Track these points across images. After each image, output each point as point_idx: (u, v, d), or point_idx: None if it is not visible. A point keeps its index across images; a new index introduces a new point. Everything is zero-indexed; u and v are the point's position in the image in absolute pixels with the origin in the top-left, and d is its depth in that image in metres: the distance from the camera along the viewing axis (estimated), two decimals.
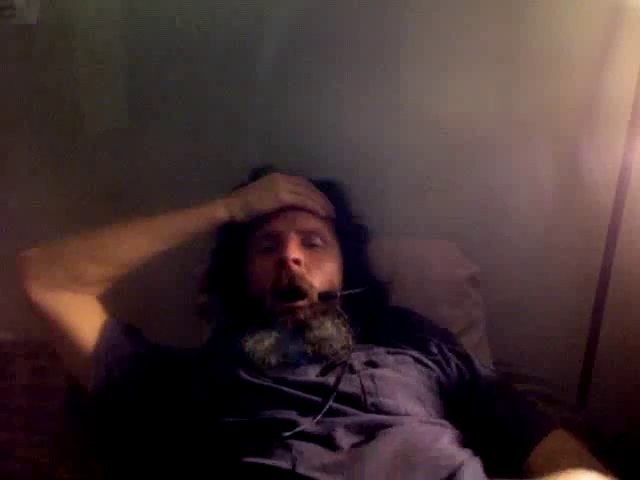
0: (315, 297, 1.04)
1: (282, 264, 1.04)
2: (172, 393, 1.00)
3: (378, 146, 1.33)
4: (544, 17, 1.28)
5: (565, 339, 1.18)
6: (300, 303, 1.03)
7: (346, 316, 1.05)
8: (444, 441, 0.91)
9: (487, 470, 0.89)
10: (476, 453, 0.91)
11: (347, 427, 0.89)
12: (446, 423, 0.96)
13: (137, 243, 1.07)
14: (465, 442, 0.94)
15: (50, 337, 1.05)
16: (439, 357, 1.05)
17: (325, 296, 1.05)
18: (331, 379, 0.96)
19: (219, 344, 1.09)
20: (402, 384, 0.98)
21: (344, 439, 0.88)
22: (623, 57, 1.28)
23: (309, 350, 1.00)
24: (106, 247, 1.06)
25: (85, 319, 1.02)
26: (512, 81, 1.32)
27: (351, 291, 1.08)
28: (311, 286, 1.05)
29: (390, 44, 1.29)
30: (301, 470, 0.82)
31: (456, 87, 1.31)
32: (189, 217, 1.10)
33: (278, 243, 1.08)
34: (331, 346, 1.01)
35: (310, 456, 0.85)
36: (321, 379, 0.96)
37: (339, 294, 1.07)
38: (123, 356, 1.02)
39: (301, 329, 1.02)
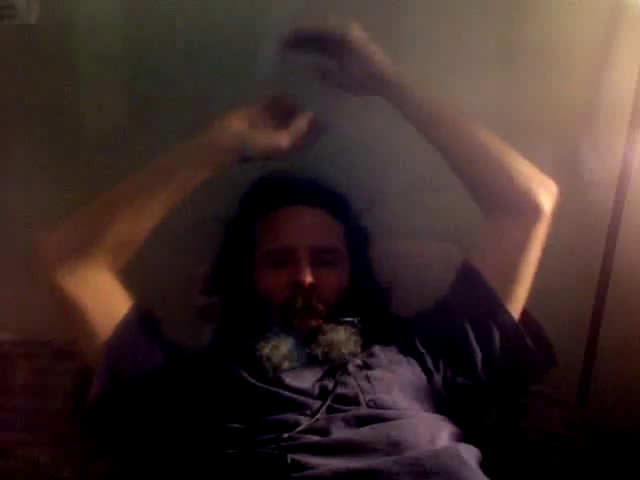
0: (327, 314, 1.06)
1: (297, 286, 1.05)
2: (176, 393, 0.99)
3: (378, 146, 1.33)
4: (544, 17, 1.28)
5: (565, 339, 1.19)
6: (313, 321, 1.05)
7: (360, 326, 1.06)
8: (443, 435, 0.92)
9: (484, 466, 0.90)
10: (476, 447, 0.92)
11: (345, 420, 0.90)
12: (445, 419, 0.96)
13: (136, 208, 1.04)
14: (464, 438, 0.95)
15: (68, 323, 1.02)
16: (430, 357, 1.05)
17: (337, 319, 1.07)
18: (329, 383, 0.96)
19: (222, 346, 1.09)
20: (397, 383, 0.99)
21: (342, 430, 0.89)
22: (623, 57, 1.28)
23: (319, 352, 1.02)
24: (115, 212, 1.03)
25: (105, 304, 0.99)
26: (512, 81, 1.32)
27: (355, 319, 1.08)
28: (324, 305, 1.06)
29: (390, 44, 1.29)
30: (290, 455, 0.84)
31: (456, 87, 1.31)
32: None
33: (290, 259, 1.07)
34: (339, 350, 1.01)
35: (302, 443, 0.86)
36: (319, 383, 0.97)
37: (355, 321, 1.07)
38: (135, 351, 1.00)
39: (314, 333, 1.04)
